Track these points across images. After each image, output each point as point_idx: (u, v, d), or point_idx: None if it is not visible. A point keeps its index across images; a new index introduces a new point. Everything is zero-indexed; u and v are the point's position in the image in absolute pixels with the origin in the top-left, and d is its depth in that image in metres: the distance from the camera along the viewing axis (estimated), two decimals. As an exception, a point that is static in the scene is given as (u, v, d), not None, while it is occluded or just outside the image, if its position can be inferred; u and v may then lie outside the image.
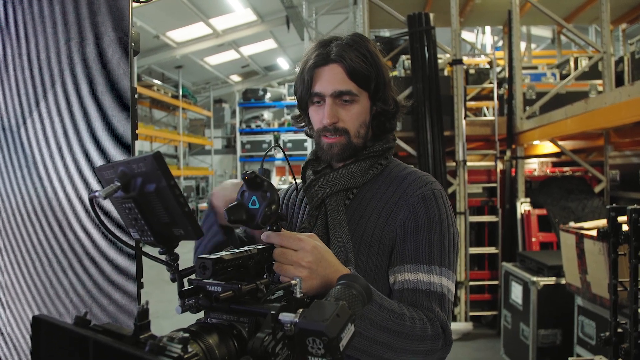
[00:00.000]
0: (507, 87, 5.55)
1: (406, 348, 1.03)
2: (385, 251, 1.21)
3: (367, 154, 1.29)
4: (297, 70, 1.33)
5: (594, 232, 3.01)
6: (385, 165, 1.31)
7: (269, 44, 15.12)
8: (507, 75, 5.59)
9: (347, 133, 1.26)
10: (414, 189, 1.23)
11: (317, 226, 1.25)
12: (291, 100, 15.22)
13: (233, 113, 19.20)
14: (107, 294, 1.58)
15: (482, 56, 7.32)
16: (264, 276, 0.89)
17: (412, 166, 1.36)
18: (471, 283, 5.35)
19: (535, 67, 6.40)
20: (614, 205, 2.17)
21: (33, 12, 1.55)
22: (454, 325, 5.10)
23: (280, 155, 15.03)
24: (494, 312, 5.34)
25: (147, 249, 0.87)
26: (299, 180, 1.35)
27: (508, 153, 5.31)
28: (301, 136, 14.48)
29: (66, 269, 1.57)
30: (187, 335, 0.59)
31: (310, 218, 1.27)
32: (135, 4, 1.62)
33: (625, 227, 2.12)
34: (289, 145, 15.30)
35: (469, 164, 5.37)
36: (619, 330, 2.14)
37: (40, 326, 0.57)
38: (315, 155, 1.37)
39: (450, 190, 5.24)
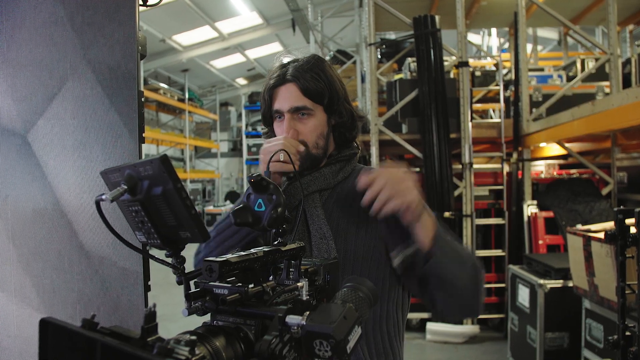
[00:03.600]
0: (513, 89, 5.54)
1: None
2: (375, 235, 1.31)
3: (337, 158, 1.41)
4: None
5: (601, 235, 3.00)
6: (352, 169, 1.43)
7: (275, 47, 15.14)
8: (513, 77, 5.58)
9: (306, 144, 1.36)
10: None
11: (295, 225, 1.31)
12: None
13: (239, 116, 19.23)
14: (114, 297, 1.58)
15: (488, 58, 7.31)
16: (270, 278, 0.89)
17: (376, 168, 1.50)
18: (478, 286, 5.32)
19: (542, 69, 6.38)
20: (621, 207, 2.16)
21: (40, 17, 1.56)
22: (460, 328, 5.09)
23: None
24: (501, 315, 5.32)
25: (153, 251, 0.87)
26: None
27: (514, 155, 5.29)
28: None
29: (74, 272, 1.58)
30: (194, 337, 0.59)
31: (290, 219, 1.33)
32: (142, 8, 1.62)
33: (633, 230, 2.11)
34: (295, 148, 15.28)
35: (475, 166, 5.36)
36: (627, 333, 2.13)
37: (48, 329, 0.58)
38: None
39: (456, 192, 5.23)
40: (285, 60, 1.44)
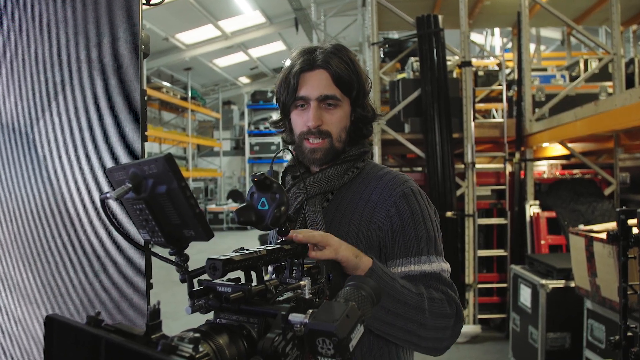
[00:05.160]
0: (516, 89, 5.53)
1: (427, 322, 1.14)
2: (373, 246, 1.26)
3: (344, 158, 1.34)
4: (279, 75, 1.38)
5: (603, 235, 2.99)
6: (361, 169, 1.36)
7: (278, 45, 15.16)
8: (516, 77, 5.57)
9: (330, 136, 1.31)
10: (393, 187, 1.28)
11: (296, 228, 1.28)
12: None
13: (242, 115, 19.27)
14: (116, 295, 1.59)
15: (491, 58, 7.29)
16: (273, 277, 0.89)
17: (387, 167, 1.41)
18: (480, 286, 5.33)
19: (545, 69, 6.37)
20: (624, 207, 2.15)
21: (45, 15, 1.57)
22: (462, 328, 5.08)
23: (289, 157, 14.97)
24: (503, 315, 5.31)
25: (156, 249, 0.87)
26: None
27: (517, 155, 5.28)
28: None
29: (76, 270, 1.59)
30: (197, 335, 0.59)
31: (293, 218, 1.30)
32: (145, 7, 1.63)
33: (635, 230, 2.11)
34: (297, 147, 15.31)
35: (477, 166, 5.35)
36: (629, 334, 2.13)
37: (53, 326, 0.58)
38: (294, 161, 1.41)
39: (458, 192, 5.23)
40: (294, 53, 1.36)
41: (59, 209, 1.59)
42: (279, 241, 0.88)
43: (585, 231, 3.30)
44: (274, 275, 0.90)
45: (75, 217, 1.59)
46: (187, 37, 13.15)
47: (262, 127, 17.30)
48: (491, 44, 9.66)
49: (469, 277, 5.19)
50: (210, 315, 0.77)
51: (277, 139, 16.74)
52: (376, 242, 1.26)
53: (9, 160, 1.59)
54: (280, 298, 0.77)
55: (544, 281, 3.83)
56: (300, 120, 1.32)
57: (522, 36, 5.25)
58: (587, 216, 4.88)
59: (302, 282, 0.82)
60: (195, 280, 0.77)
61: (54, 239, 1.59)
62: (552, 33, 10.67)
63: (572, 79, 5.94)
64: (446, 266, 1.27)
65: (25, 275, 1.58)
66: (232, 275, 0.77)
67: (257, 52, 15.64)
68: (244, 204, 0.88)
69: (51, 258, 1.59)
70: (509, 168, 5.45)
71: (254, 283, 0.77)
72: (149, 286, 1.59)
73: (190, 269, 0.77)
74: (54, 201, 1.59)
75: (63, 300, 1.59)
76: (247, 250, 0.82)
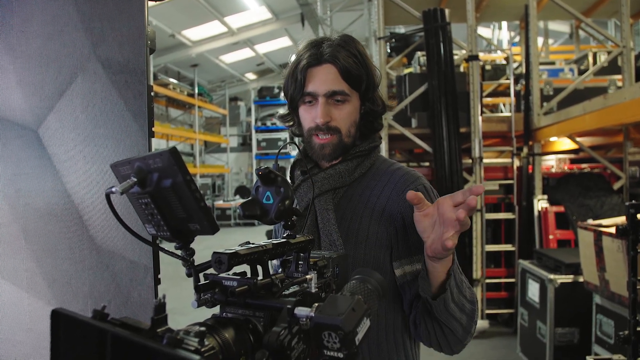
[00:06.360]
0: (524, 83, 5.49)
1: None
2: (383, 243, 1.25)
3: (354, 154, 1.32)
4: (287, 69, 1.35)
5: (612, 230, 2.97)
6: (371, 164, 1.35)
7: (284, 41, 15.15)
8: (524, 71, 5.53)
9: (339, 132, 1.29)
10: (406, 183, 1.28)
11: (307, 226, 1.27)
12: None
13: (248, 111, 19.29)
14: (125, 291, 1.59)
15: (499, 52, 7.25)
16: (279, 271, 0.89)
17: (398, 162, 1.39)
18: (487, 281, 5.31)
19: (553, 63, 6.32)
20: (633, 202, 2.14)
21: (50, 11, 1.57)
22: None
23: (295, 152, 14.96)
24: (511, 310, 5.30)
25: (163, 244, 0.88)
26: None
27: (525, 150, 5.25)
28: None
29: (85, 266, 1.59)
30: (203, 329, 0.59)
31: (300, 218, 1.29)
32: (151, 3, 1.63)
33: (644, 224, 2.09)
34: (304, 142, 15.37)
35: (485, 160, 5.33)
36: (638, 329, 2.12)
37: (60, 320, 0.58)
38: (303, 154, 1.39)
39: (466, 187, 5.20)
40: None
41: (67, 205, 1.59)
42: (284, 235, 0.88)
43: (594, 226, 3.28)
44: (280, 269, 0.90)
45: (83, 213, 1.59)
46: (193, 33, 13.17)
47: (268, 123, 17.34)
48: (498, 38, 9.60)
49: (477, 272, 5.18)
50: (216, 310, 0.77)
51: (284, 135, 16.77)
52: (386, 239, 1.25)
53: (16, 157, 1.59)
54: (286, 292, 0.77)
55: (552, 276, 3.82)
56: (309, 116, 1.30)
57: (529, 29, 5.22)
58: (596, 211, 4.85)
59: (308, 276, 0.81)
60: (201, 275, 0.77)
61: (62, 235, 1.60)
62: (561, 26, 10.59)
63: (581, 72, 5.90)
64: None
65: (34, 271, 1.59)
66: (238, 269, 0.77)
67: (263, 48, 15.64)
68: (249, 198, 0.88)
69: (60, 254, 1.59)
70: (516, 162, 5.43)
71: (260, 277, 0.77)
72: (157, 282, 1.60)
73: (196, 264, 0.77)
74: (62, 197, 1.59)
75: (72, 296, 1.60)
76: (253, 244, 0.82)
